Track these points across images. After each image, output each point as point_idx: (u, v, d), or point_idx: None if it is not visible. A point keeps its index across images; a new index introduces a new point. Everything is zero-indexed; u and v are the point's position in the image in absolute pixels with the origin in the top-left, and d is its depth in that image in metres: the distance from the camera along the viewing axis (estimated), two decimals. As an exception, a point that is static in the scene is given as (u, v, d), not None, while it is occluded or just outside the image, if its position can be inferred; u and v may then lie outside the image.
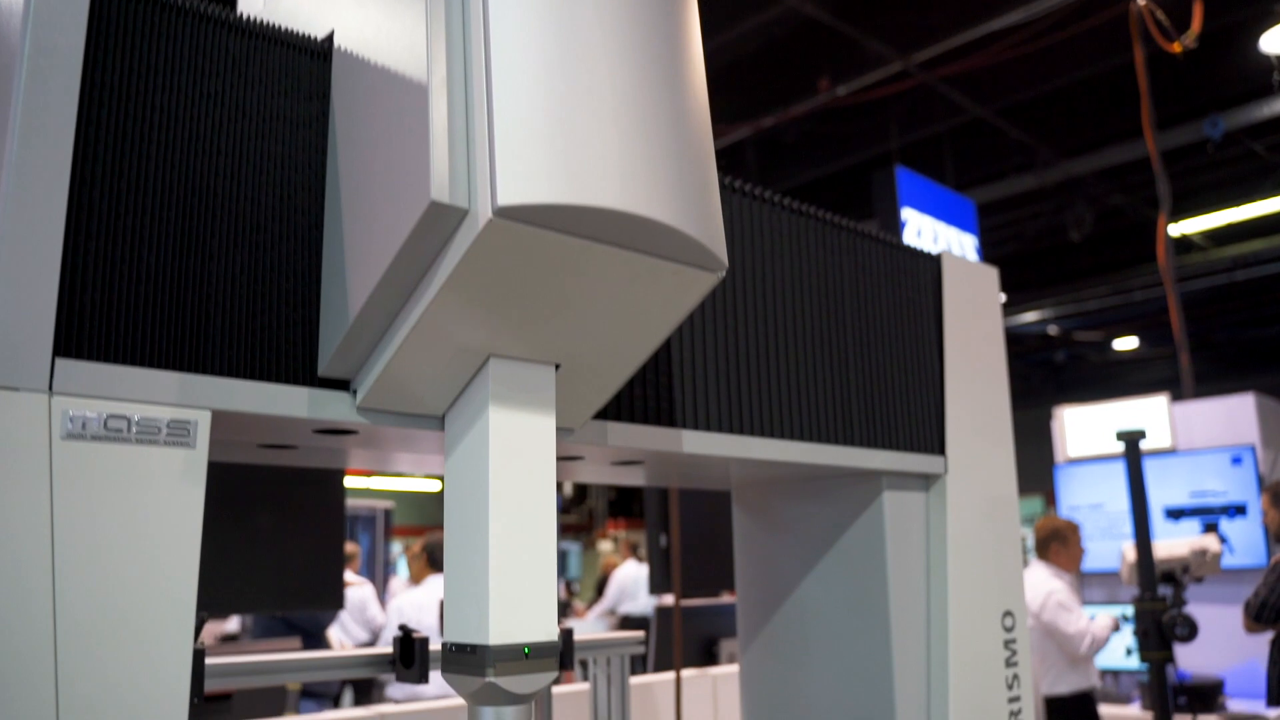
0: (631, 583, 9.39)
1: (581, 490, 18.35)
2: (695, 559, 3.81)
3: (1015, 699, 2.25)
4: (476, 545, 1.27)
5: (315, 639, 6.05)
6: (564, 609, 10.84)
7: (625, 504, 17.55)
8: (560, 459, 1.70)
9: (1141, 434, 4.23)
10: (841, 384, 1.98)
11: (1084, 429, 6.33)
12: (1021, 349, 15.02)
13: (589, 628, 9.53)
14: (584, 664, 2.48)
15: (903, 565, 2.13)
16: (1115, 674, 5.72)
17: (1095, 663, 5.06)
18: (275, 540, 3.14)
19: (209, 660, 1.63)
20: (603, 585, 10.58)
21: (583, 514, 18.34)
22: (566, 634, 2.11)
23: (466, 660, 1.28)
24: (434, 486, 14.70)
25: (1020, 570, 2.35)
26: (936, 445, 2.19)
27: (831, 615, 2.19)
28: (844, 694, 2.15)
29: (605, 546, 16.81)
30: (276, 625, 5.96)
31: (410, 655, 1.81)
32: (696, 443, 1.68)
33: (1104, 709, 5.10)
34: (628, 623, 9.14)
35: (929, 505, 2.20)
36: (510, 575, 1.27)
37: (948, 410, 2.21)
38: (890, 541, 2.11)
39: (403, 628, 1.82)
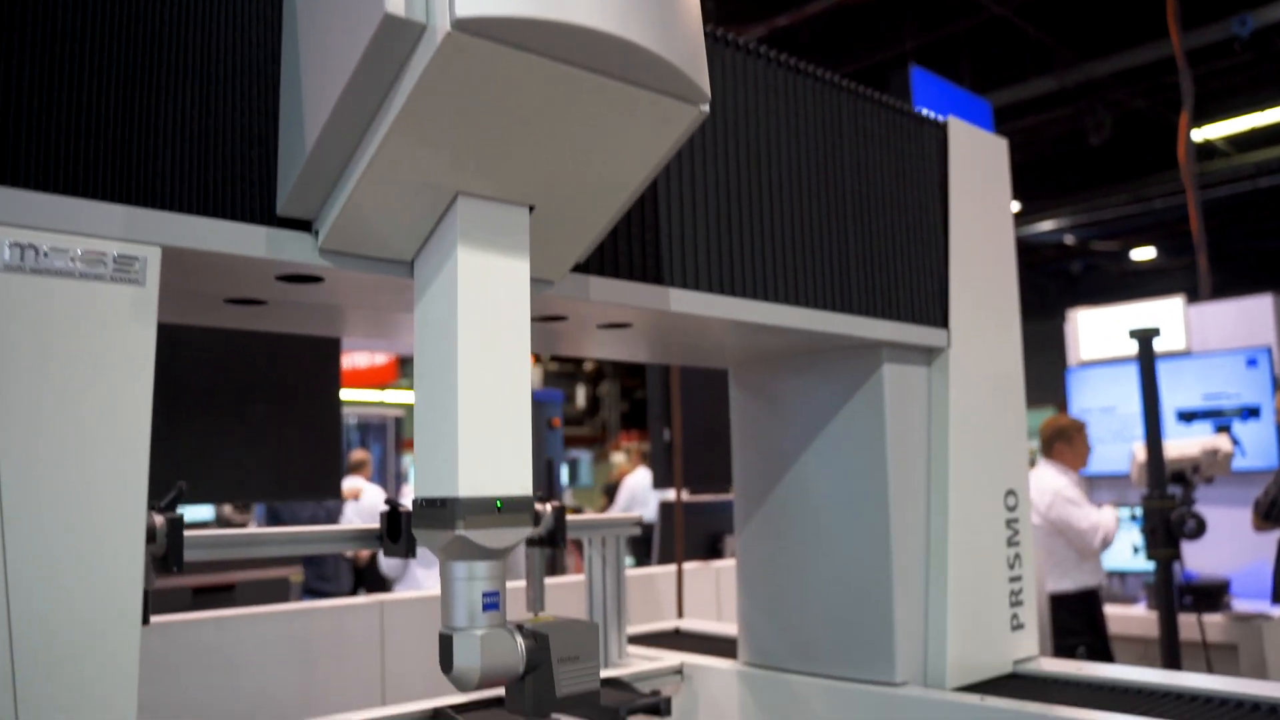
0: (642, 489, 9.42)
1: (595, 402, 18.41)
2: (699, 454, 3.77)
3: (1016, 578, 2.21)
4: (445, 394, 1.21)
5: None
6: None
7: (638, 416, 17.60)
8: (543, 320, 1.64)
9: (1155, 332, 4.14)
10: (840, 249, 1.90)
11: (1097, 331, 6.23)
12: (1037, 258, 14.82)
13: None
14: (579, 546, 2.45)
15: (903, 441, 2.07)
16: (1122, 575, 5.71)
17: (1102, 561, 5.04)
18: (272, 430, 3.12)
19: (192, 533, 1.58)
20: (613, 491, 10.64)
21: (595, 426, 18.42)
22: (559, 511, 2.08)
23: (436, 514, 1.23)
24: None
25: (1024, 449, 2.29)
26: (939, 318, 2.11)
27: (829, 493, 2.14)
28: (841, 572, 2.11)
29: (618, 458, 16.90)
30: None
31: (397, 529, 1.78)
32: (686, 302, 1.61)
33: (1110, 609, 5.10)
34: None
35: (931, 380, 2.13)
36: (481, 426, 1.21)
37: (951, 282, 2.13)
38: (890, 416, 2.05)
39: (389, 501, 1.79)
